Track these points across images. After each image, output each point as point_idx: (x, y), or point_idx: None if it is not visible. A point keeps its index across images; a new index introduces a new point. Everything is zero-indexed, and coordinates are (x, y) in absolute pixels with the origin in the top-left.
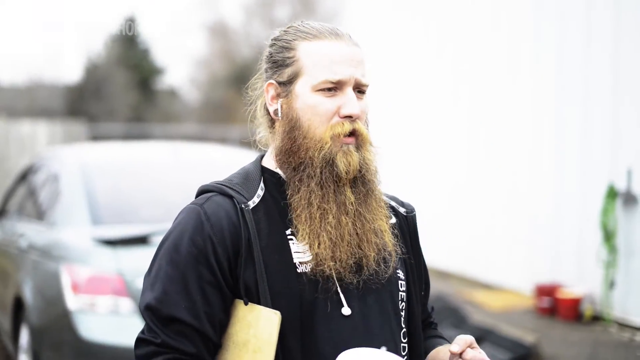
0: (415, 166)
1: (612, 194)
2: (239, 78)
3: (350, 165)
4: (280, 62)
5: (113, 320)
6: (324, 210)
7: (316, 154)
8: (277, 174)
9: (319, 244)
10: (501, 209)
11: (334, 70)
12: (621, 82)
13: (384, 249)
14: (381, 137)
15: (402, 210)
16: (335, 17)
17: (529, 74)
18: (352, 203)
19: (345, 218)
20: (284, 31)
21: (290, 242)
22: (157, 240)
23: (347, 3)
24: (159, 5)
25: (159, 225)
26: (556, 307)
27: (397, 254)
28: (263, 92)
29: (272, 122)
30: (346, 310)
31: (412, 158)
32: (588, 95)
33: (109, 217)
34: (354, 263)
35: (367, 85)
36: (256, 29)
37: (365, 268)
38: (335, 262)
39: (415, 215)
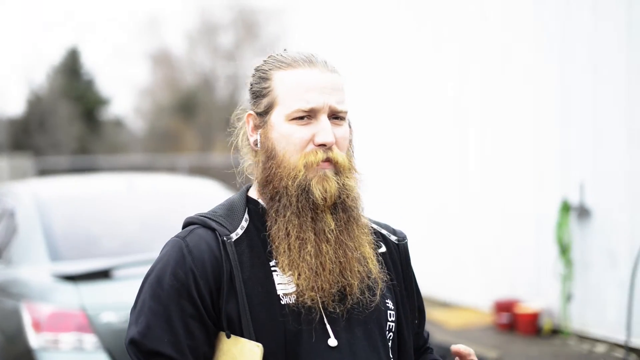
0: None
1: (565, 208)
2: (184, 106)
3: (326, 192)
4: (258, 92)
5: (77, 357)
6: (302, 240)
7: (290, 183)
8: (260, 204)
9: (299, 274)
10: (456, 226)
11: (306, 98)
12: (569, 97)
13: (368, 277)
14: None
15: (393, 238)
16: (278, 41)
17: (479, 91)
18: (332, 230)
19: (325, 246)
20: (264, 61)
21: (274, 273)
22: (119, 274)
23: (289, 28)
24: (101, 35)
25: (121, 259)
26: (515, 322)
27: (385, 283)
28: (244, 123)
29: (255, 152)
30: (332, 342)
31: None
32: (538, 110)
33: (67, 253)
34: (337, 292)
35: (344, 112)
36: (200, 56)
37: (349, 297)
38: (317, 292)
39: (406, 243)
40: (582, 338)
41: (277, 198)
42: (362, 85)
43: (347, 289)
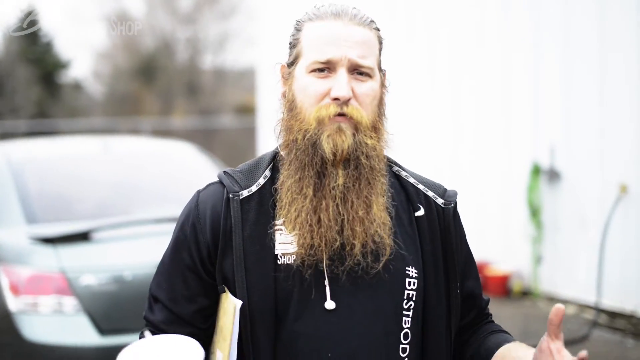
0: None
1: (536, 171)
2: (144, 69)
3: (337, 146)
4: (290, 43)
5: (57, 320)
6: (300, 194)
7: (300, 136)
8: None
9: (294, 227)
10: None
11: (323, 50)
12: (540, 60)
13: (375, 241)
14: None
15: (439, 201)
16: (239, 5)
17: (448, 54)
18: (337, 186)
19: (326, 202)
20: (305, 12)
21: (278, 232)
22: (98, 236)
23: None
24: None
25: (99, 221)
26: (485, 284)
27: (405, 249)
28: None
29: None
30: (330, 304)
31: None
32: (509, 73)
33: (43, 215)
34: (337, 251)
35: (367, 67)
36: (160, 20)
37: (349, 257)
38: (314, 249)
39: (451, 208)
40: (552, 300)
41: (289, 150)
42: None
43: (347, 248)
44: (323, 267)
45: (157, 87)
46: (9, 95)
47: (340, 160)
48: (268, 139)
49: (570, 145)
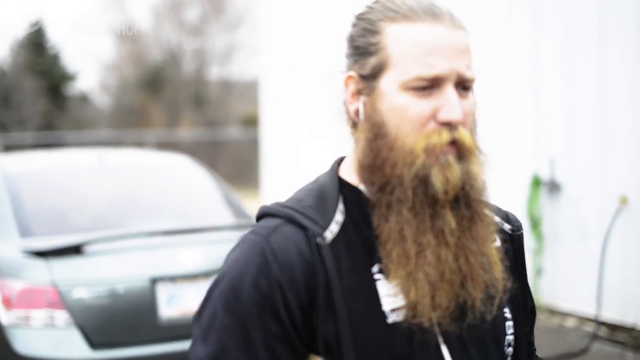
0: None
1: (536, 182)
2: (151, 81)
3: (448, 183)
4: (363, 49)
5: (49, 334)
6: (419, 244)
7: (405, 171)
8: (360, 190)
9: (416, 289)
10: None
11: (429, 63)
12: (541, 72)
13: (493, 285)
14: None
15: (506, 227)
16: (245, 16)
17: None
18: (452, 231)
19: (444, 251)
20: (370, 7)
21: (377, 282)
22: (90, 249)
23: (256, 3)
24: (64, 9)
25: (92, 235)
26: None
27: (506, 289)
28: (343, 85)
29: (354, 124)
30: None
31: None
32: (510, 85)
33: (37, 228)
34: (456, 307)
35: (472, 80)
36: (166, 31)
37: (470, 312)
38: (435, 309)
39: (522, 233)
40: (553, 312)
41: (389, 190)
42: (336, 66)
43: (468, 302)
44: (440, 326)
45: (164, 98)
46: (16, 107)
47: (450, 197)
48: (271, 151)
49: (570, 157)
